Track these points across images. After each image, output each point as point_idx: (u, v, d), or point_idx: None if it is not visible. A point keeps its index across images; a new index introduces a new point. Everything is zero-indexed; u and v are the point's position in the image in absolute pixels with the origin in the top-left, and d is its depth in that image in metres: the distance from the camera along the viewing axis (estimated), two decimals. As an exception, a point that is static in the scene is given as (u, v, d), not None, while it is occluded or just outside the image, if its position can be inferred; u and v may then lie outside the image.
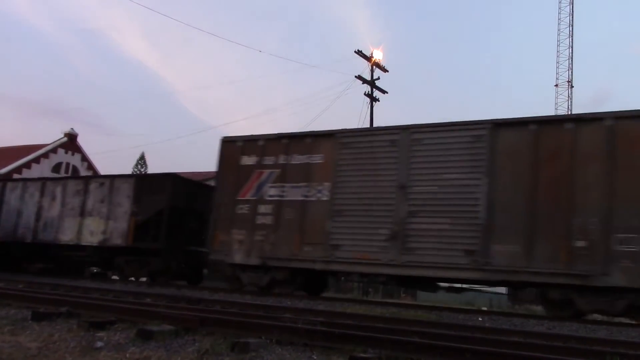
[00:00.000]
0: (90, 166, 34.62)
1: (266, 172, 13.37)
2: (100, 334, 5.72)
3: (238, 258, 13.22)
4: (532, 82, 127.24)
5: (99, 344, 5.23)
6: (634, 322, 9.83)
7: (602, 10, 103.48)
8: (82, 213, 16.57)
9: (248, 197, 13.44)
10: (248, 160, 13.71)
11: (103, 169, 33.39)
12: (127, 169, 51.70)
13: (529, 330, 7.51)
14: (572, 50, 40.69)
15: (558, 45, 41.06)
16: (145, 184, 16.00)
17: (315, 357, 4.85)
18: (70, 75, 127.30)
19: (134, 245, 15.42)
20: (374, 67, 27.51)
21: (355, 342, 5.09)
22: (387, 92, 27.95)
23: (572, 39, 40.79)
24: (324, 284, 14.39)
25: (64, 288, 10.97)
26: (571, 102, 40.14)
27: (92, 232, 16.24)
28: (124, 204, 15.88)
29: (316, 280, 13.63)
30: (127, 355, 4.85)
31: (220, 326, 5.83)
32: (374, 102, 27.16)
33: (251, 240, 13.12)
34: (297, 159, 13.07)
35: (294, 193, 12.89)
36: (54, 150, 32.40)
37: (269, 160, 13.44)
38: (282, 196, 13.03)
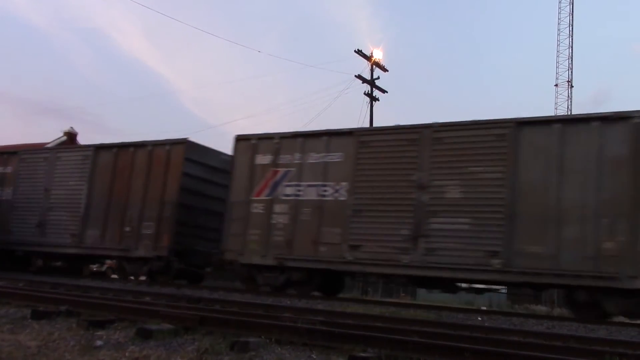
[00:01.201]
0: (90, 165, 34.56)
1: None
2: (100, 332, 5.73)
3: None
4: (532, 81, 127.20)
5: (99, 342, 5.23)
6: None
7: (602, 10, 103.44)
8: None
9: None
10: None
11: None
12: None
13: (528, 329, 7.51)
14: (572, 50, 40.67)
15: (558, 45, 41.00)
16: None
17: (314, 357, 4.85)
18: (70, 74, 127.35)
19: None
20: (374, 66, 27.52)
21: (354, 342, 5.09)
22: (387, 92, 28.00)
23: (572, 39, 40.74)
24: (28, 261, 18.53)
25: (63, 287, 10.97)
26: (571, 102, 40.10)
27: None
28: None
29: (23, 258, 17.99)
30: (127, 354, 4.85)
31: (220, 325, 5.83)
32: (374, 102, 27.18)
33: None
34: None
35: None
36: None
37: None
38: None
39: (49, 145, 32.60)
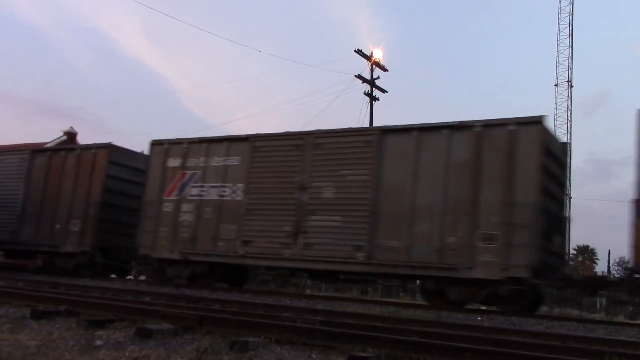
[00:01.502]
0: (90, 165, 34.54)
1: None
2: (100, 332, 5.73)
3: None
4: (532, 81, 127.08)
5: (98, 342, 5.23)
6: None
7: (602, 10, 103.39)
8: None
9: None
10: None
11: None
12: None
13: (528, 329, 7.52)
14: (572, 50, 40.63)
15: (558, 45, 40.96)
16: None
17: (314, 356, 4.85)
18: (70, 74, 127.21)
19: None
20: (374, 66, 27.48)
21: (354, 341, 5.10)
22: (386, 92, 27.92)
23: (572, 39, 40.68)
24: None
25: (63, 287, 10.97)
26: (571, 101, 40.08)
27: None
28: None
29: None
30: (126, 353, 4.85)
31: (219, 325, 5.84)
32: (374, 101, 27.16)
33: None
34: None
35: None
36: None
37: None
38: None
39: (48, 145, 32.63)
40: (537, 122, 10.77)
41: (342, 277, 13.42)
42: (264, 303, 9.47)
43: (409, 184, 11.50)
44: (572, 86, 40.18)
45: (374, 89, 27.33)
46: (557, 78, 40.50)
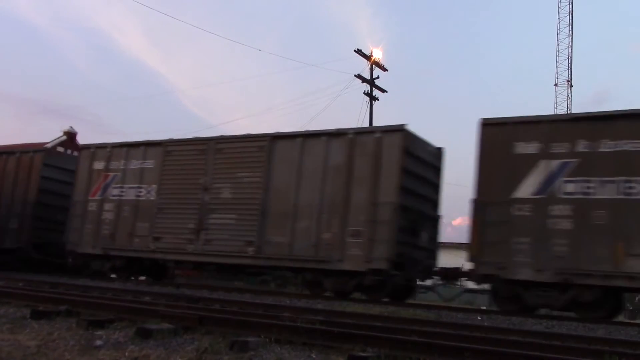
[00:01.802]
0: (89, 165, 34.56)
1: None
2: (99, 332, 5.73)
3: None
4: (533, 81, 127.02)
5: (98, 342, 5.24)
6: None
7: (602, 10, 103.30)
8: None
9: None
10: None
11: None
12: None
13: (528, 329, 7.52)
14: (571, 49, 40.74)
15: (558, 45, 41.10)
16: None
17: (314, 356, 4.85)
18: (70, 74, 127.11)
19: None
20: (374, 66, 27.47)
21: (354, 341, 5.10)
22: (386, 91, 27.93)
23: (571, 39, 40.84)
24: None
25: (63, 287, 10.97)
26: (571, 101, 40.20)
27: None
28: None
29: None
30: (126, 353, 4.85)
31: (219, 325, 5.84)
32: (373, 101, 27.16)
33: None
34: None
35: None
36: (53, 149, 32.26)
37: None
38: None
39: (48, 145, 32.55)
40: (399, 129, 11.92)
41: (243, 270, 14.73)
42: (264, 303, 9.47)
43: (293, 185, 12.77)
44: (572, 86, 40.43)
45: (373, 88, 27.33)
46: (557, 78, 40.69)
